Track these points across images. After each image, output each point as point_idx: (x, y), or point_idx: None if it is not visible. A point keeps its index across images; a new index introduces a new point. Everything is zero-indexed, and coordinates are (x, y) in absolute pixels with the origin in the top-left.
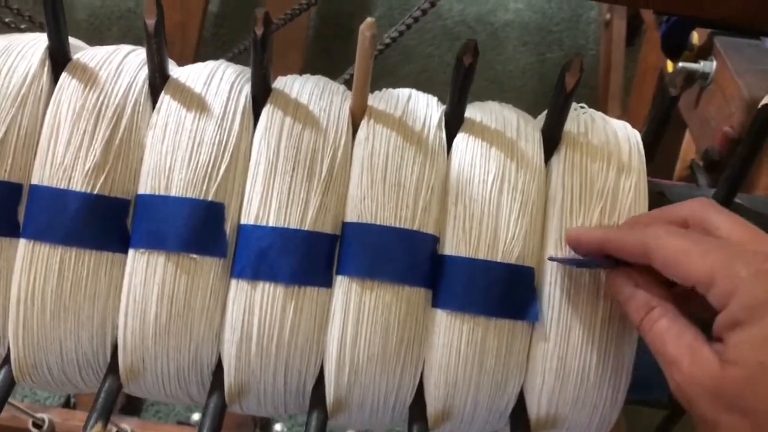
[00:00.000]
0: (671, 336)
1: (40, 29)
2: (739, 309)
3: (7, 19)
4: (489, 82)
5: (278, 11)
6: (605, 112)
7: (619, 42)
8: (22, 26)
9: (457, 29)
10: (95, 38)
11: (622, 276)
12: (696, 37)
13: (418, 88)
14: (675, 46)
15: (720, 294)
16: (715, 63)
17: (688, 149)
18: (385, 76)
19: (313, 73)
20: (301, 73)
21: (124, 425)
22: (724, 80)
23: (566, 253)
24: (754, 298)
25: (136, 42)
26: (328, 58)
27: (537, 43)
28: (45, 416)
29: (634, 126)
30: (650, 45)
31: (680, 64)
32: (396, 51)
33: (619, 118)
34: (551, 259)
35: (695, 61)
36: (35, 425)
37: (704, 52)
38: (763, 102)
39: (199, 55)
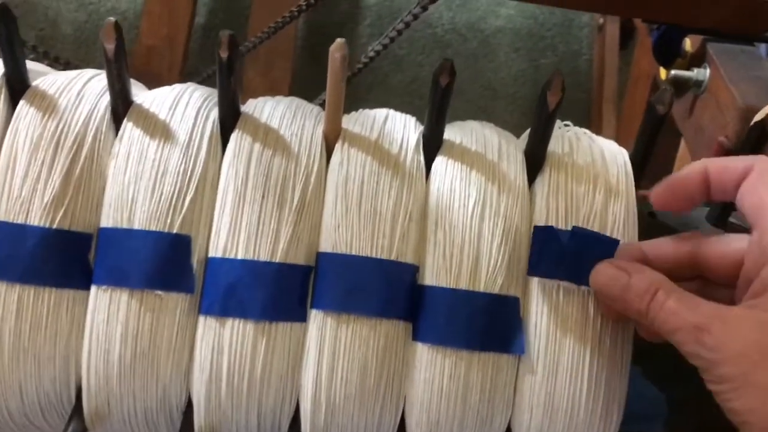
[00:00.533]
0: (688, 309)
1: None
2: None
3: None
4: (483, 89)
5: (265, 22)
6: (600, 116)
7: (612, 46)
8: None
9: (448, 37)
10: (81, 53)
11: (611, 268)
12: (689, 44)
13: (410, 97)
14: (667, 53)
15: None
16: (708, 70)
17: (684, 158)
18: (376, 86)
19: (303, 83)
20: (291, 84)
21: None
22: (718, 88)
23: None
24: None
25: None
26: (317, 68)
27: (530, 49)
28: None
29: (628, 132)
30: (642, 50)
31: (672, 71)
32: (386, 60)
33: (614, 123)
34: (575, 229)
35: (688, 69)
36: None
37: (697, 59)
38: (756, 118)
39: (187, 67)
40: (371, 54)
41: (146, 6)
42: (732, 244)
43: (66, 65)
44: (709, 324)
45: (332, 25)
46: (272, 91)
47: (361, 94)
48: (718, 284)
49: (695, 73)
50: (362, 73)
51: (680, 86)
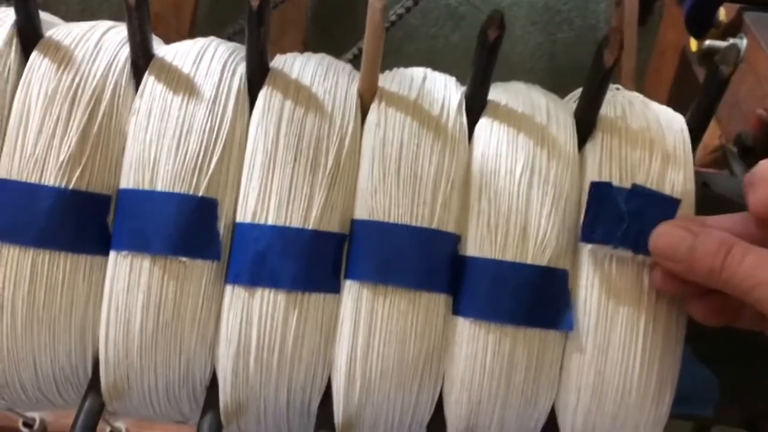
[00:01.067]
0: (756, 254)
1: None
2: None
3: None
4: (499, 63)
5: None
6: None
7: (631, 21)
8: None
9: (462, 9)
10: (86, 15)
11: (675, 228)
12: (723, 13)
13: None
14: (700, 23)
15: None
16: (745, 40)
17: (711, 133)
18: (390, 54)
19: (314, 52)
20: (302, 52)
21: (119, 424)
22: (756, 59)
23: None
24: None
25: None
26: (329, 38)
27: (546, 23)
28: (36, 415)
29: None
30: (669, 21)
31: (706, 42)
32: (400, 31)
33: None
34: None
35: (723, 39)
36: (26, 425)
37: (732, 28)
38: None
39: (194, 34)
40: (386, 24)
41: None
42: None
43: None
44: None
45: None
46: None
47: None
48: None
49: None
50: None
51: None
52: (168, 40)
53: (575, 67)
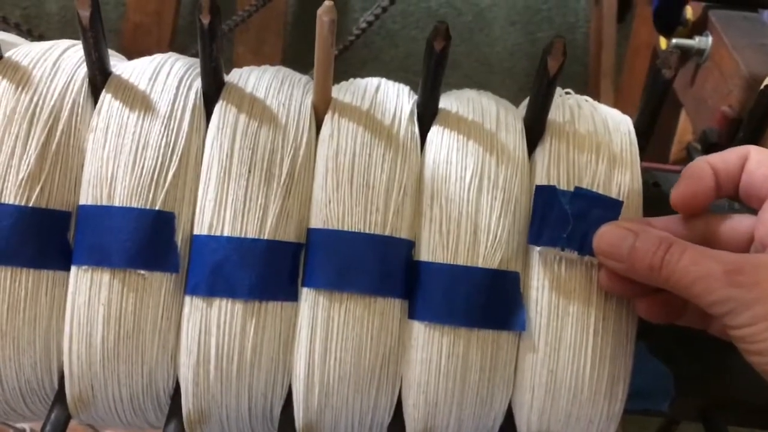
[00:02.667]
0: (711, 258)
1: None
2: None
3: None
4: (479, 63)
5: None
6: (597, 91)
7: (610, 18)
8: None
9: (442, 11)
10: (68, 31)
11: (616, 228)
12: (690, 12)
13: (404, 72)
14: (668, 21)
15: None
16: (710, 38)
17: (685, 129)
18: (369, 61)
19: (295, 60)
20: (282, 61)
21: None
22: (721, 56)
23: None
24: None
25: (111, 34)
26: (308, 45)
27: (526, 22)
28: (26, 426)
29: (626, 106)
30: (641, 20)
31: (674, 40)
32: (380, 35)
33: (612, 97)
34: (577, 188)
35: (690, 37)
36: None
37: (699, 27)
38: (766, 83)
39: (176, 43)
40: (363, 25)
41: None
42: (743, 221)
43: None
44: (741, 266)
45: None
46: None
47: (354, 69)
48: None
49: (697, 42)
50: (355, 48)
51: (682, 55)
52: (150, 49)
53: None
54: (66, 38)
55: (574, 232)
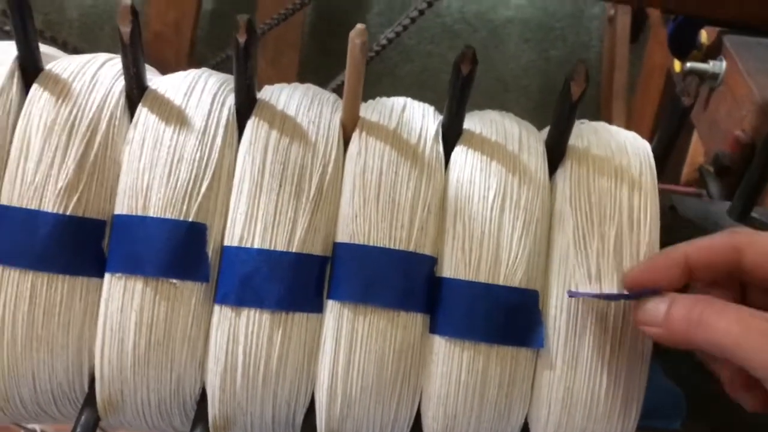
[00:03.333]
0: (754, 316)
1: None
2: None
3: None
4: (494, 80)
5: (272, 10)
6: (609, 111)
7: (623, 39)
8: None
9: (457, 27)
10: (88, 38)
11: (652, 301)
12: (704, 36)
13: (419, 88)
14: (683, 45)
15: None
16: (724, 63)
17: (696, 151)
18: (385, 77)
19: (312, 72)
20: (299, 72)
21: None
22: (735, 81)
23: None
24: None
25: None
26: (325, 57)
27: (539, 40)
28: (37, 427)
29: (639, 127)
30: (656, 42)
31: (688, 64)
32: (395, 51)
33: (624, 118)
34: (571, 294)
35: (704, 61)
36: None
37: (713, 51)
38: None
39: (194, 54)
40: (383, 42)
41: None
42: None
43: (73, 50)
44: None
45: (340, 13)
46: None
47: (370, 84)
48: (756, 287)
49: (711, 66)
50: (371, 63)
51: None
52: (169, 59)
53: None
54: (86, 42)
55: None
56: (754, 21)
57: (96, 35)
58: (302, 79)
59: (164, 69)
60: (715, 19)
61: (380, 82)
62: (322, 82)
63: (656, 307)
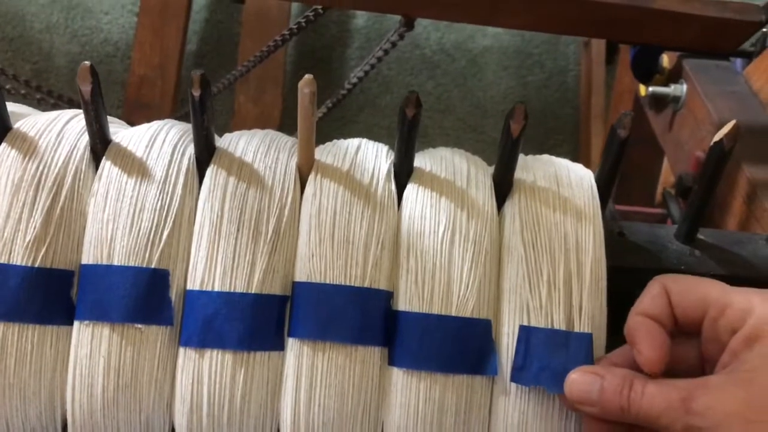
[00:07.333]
0: (668, 386)
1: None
2: (759, 324)
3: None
4: (473, 107)
5: (254, 48)
6: (588, 132)
7: (599, 61)
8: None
9: (436, 58)
10: (76, 85)
11: (585, 375)
12: (666, 60)
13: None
14: (645, 69)
15: (736, 315)
16: (685, 86)
17: (669, 172)
18: (366, 107)
19: (296, 107)
20: (283, 108)
21: None
22: (695, 104)
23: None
24: None
25: (117, 86)
26: None
27: (517, 66)
28: None
29: None
30: (624, 67)
31: (650, 88)
32: (376, 82)
33: (603, 137)
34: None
35: (666, 85)
36: None
37: (675, 75)
38: (716, 138)
39: (180, 94)
40: (360, 74)
41: (138, 36)
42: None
43: (59, 98)
44: (693, 391)
45: (322, 49)
46: (264, 116)
47: (350, 115)
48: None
49: (672, 89)
50: (351, 95)
51: (659, 102)
52: (155, 102)
53: (547, 108)
54: (74, 89)
55: (549, 371)
56: (704, 46)
57: None
58: (286, 114)
59: (150, 111)
60: (671, 46)
61: (362, 111)
62: None
63: (590, 385)
